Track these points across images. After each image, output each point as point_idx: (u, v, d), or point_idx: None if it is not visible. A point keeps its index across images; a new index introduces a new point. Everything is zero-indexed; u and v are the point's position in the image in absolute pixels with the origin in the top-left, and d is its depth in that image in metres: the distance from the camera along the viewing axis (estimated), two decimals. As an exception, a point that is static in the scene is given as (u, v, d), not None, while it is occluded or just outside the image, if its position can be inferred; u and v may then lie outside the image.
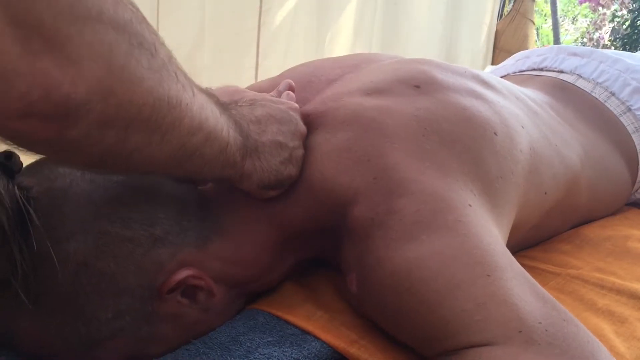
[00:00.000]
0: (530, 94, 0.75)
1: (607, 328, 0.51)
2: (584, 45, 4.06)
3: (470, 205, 0.46)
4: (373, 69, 0.62)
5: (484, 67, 1.87)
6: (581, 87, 0.85)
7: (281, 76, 0.67)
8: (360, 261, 0.46)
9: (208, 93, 0.40)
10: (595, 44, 3.92)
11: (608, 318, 0.53)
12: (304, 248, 0.54)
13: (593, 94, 0.84)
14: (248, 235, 0.50)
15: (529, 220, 0.61)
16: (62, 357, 0.42)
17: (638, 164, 0.83)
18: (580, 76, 0.87)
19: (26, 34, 0.26)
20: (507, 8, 2.73)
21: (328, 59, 0.71)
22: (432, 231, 0.43)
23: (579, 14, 5.16)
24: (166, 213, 0.44)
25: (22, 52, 0.26)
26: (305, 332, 0.47)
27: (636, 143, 0.83)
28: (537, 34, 4.32)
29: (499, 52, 2.57)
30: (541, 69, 0.93)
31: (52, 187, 0.41)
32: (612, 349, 0.48)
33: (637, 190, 0.88)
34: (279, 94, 0.56)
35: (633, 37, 3.73)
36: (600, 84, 0.85)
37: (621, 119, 0.83)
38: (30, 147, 0.32)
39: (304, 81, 0.63)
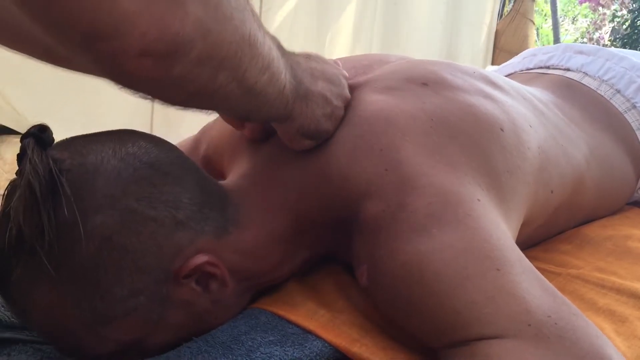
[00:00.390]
0: (537, 94, 0.75)
1: (607, 327, 0.51)
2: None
3: (479, 199, 0.47)
4: (384, 69, 0.63)
5: (484, 67, 1.87)
6: (587, 84, 0.86)
7: None
8: (372, 254, 0.46)
9: (270, 35, 0.42)
10: (595, 44, 3.92)
11: (609, 317, 0.53)
12: (317, 242, 0.55)
13: (599, 92, 0.85)
14: (264, 228, 0.51)
15: (536, 219, 0.61)
16: (72, 333, 0.43)
17: None
18: (586, 74, 0.87)
19: None
20: (507, 8, 2.74)
21: (340, 59, 0.72)
22: (442, 225, 0.44)
23: (579, 14, 5.17)
24: (190, 199, 0.45)
25: None
26: (307, 331, 0.47)
27: None
28: (537, 34, 4.32)
29: (499, 52, 2.57)
30: (548, 67, 0.93)
31: (84, 161, 0.42)
32: (612, 348, 0.48)
33: (640, 188, 0.88)
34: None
35: (633, 37, 3.73)
36: (606, 81, 0.86)
37: (626, 116, 0.83)
38: (136, 86, 0.35)
39: None
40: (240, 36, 0.36)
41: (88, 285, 0.41)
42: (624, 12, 3.89)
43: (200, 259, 0.45)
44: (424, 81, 0.56)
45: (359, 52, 2.02)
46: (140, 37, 0.30)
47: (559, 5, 3.41)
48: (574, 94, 0.83)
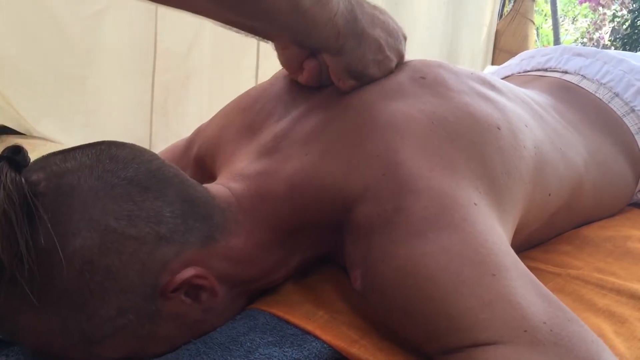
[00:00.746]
0: (535, 97, 0.75)
1: (607, 328, 0.51)
2: (584, 45, 4.06)
3: (475, 203, 0.46)
4: None
5: (484, 67, 1.87)
6: (585, 87, 0.85)
7: (281, 75, 0.67)
8: (366, 257, 0.46)
9: None
10: (595, 44, 3.92)
11: (608, 318, 0.53)
12: (310, 245, 0.54)
13: (597, 95, 0.84)
14: (253, 234, 0.50)
15: (533, 222, 0.61)
16: (64, 353, 0.42)
17: None
18: (584, 77, 0.87)
19: None
20: (507, 8, 2.74)
21: None
22: (438, 229, 0.43)
23: (579, 14, 5.16)
24: (172, 211, 0.44)
25: None
26: (306, 332, 0.47)
27: (639, 144, 0.83)
28: (537, 34, 4.31)
29: (499, 52, 2.57)
30: (545, 69, 0.93)
31: (60, 183, 0.41)
32: (612, 349, 0.48)
33: (639, 191, 0.88)
34: None
35: (633, 37, 3.72)
36: (604, 84, 0.85)
37: (625, 119, 0.83)
38: None
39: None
40: None
41: (73, 309, 0.40)
42: (624, 12, 3.89)
43: (187, 273, 0.44)
44: (422, 83, 0.56)
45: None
46: None
47: (559, 5, 3.41)
48: (571, 97, 0.83)
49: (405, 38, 0.57)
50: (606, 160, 0.77)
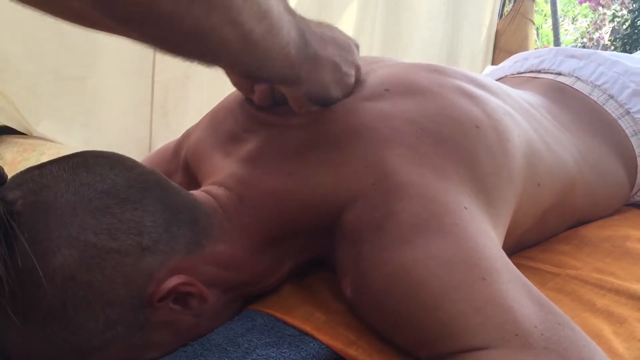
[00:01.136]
0: (527, 97, 0.75)
1: (606, 329, 0.51)
2: (584, 45, 4.06)
3: (466, 207, 0.46)
4: (367, 73, 0.61)
5: (483, 67, 1.87)
6: (579, 89, 0.85)
7: None
8: (356, 265, 0.45)
9: None
10: (595, 44, 3.92)
11: (607, 318, 0.53)
12: (301, 250, 0.54)
13: (591, 97, 0.84)
14: (241, 240, 0.50)
15: (525, 219, 0.61)
16: None
17: (637, 167, 0.83)
18: (578, 78, 0.87)
19: None
20: (507, 8, 2.73)
21: None
22: (428, 234, 0.43)
23: (579, 14, 5.16)
24: (154, 221, 0.43)
25: None
26: (304, 333, 0.47)
27: (635, 146, 0.82)
28: (537, 34, 4.31)
29: (499, 52, 2.57)
30: (539, 71, 0.93)
31: (36, 200, 0.40)
32: (611, 349, 0.48)
33: (636, 194, 0.87)
34: None
35: (633, 37, 3.72)
36: (598, 86, 0.85)
37: (620, 122, 0.82)
38: (123, 21, 0.33)
39: None
40: None
41: (59, 326, 0.40)
42: (624, 12, 3.88)
43: (173, 281, 0.43)
44: (404, 88, 0.55)
45: (360, 52, 2.02)
46: None
47: (559, 5, 3.40)
48: (565, 98, 0.82)
49: (357, 47, 0.55)
50: (600, 161, 0.77)
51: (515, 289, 0.41)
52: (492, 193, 0.50)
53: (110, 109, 1.38)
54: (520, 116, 0.62)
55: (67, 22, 0.42)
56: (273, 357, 0.43)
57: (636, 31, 3.65)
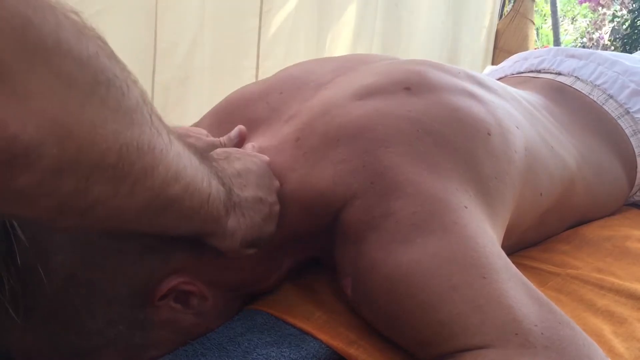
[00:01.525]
0: (527, 97, 0.75)
1: (606, 328, 0.51)
2: (583, 45, 4.06)
3: (465, 207, 0.46)
4: (365, 71, 0.62)
5: (483, 67, 1.87)
6: (579, 89, 0.85)
7: (273, 77, 0.67)
8: (355, 265, 0.45)
9: (185, 141, 0.37)
10: (595, 44, 3.91)
11: (607, 318, 0.53)
12: (300, 250, 0.54)
13: (591, 97, 0.84)
14: None
15: (524, 221, 0.61)
16: None
17: (636, 167, 0.83)
18: (578, 78, 0.87)
19: None
20: (507, 8, 2.74)
21: (320, 60, 0.69)
22: (427, 233, 0.43)
23: (578, 14, 5.16)
24: None
25: None
26: (304, 333, 0.47)
27: (634, 146, 0.82)
28: (537, 34, 4.31)
29: (499, 52, 2.57)
30: (539, 71, 0.93)
31: None
32: (611, 349, 0.48)
33: (635, 193, 0.87)
34: (231, 141, 0.54)
35: (633, 37, 3.72)
36: (598, 86, 0.85)
37: (619, 121, 0.83)
38: None
39: (293, 88, 0.61)
40: (123, 142, 0.28)
41: (60, 325, 0.40)
42: (624, 12, 3.88)
43: (174, 280, 0.43)
44: (407, 85, 0.55)
45: (360, 53, 2.02)
46: None
47: (559, 6, 3.41)
48: (565, 98, 0.82)
49: (267, 163, 0.50)
50: (599, 160, 0.77)
51: (515, 288, 0.41)
52: (492, 195, 0.50)
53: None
54: (524, 119, 0.62)
55: None
56: (273, 357, 0.43)
57: (636, 31, 3.65)
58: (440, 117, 0.52)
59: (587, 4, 3.93)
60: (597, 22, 3.91)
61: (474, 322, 0.38)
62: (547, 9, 4.07)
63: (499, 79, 0.97)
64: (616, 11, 3.93)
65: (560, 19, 4.33)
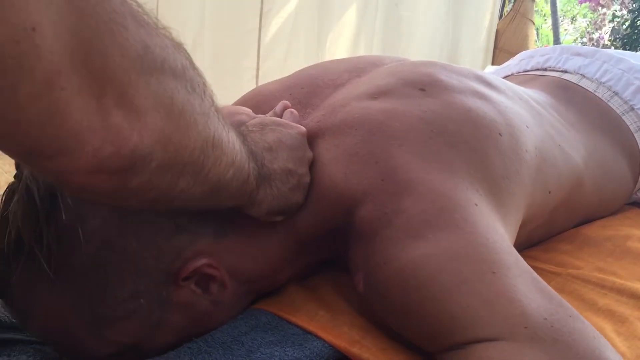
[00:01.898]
0: (534, 95, 0.75)
1: (607, 328, 0.51)
2: (583, 45, 4.06)
3: (476, 204, 0.46)
4: (379, 72, 0.63)
5: (484, 67, 1.87)
6: (585, 87, 0.85)
7: (292, 76, 0.68)
8: (368, 260, 0.46)
9: (231, 126, 0.40)
10: (595, 44, 3.92)
11: (609, 318, 0.53)
12: (316, 250, 0.54)
13: (596, 94, 0.85)
14: (261, 236, 0.50)
15: (534, 220, 0.61)
16: (72, 335, 0.43)
17: None
18: (583, 76, 0.87)
19: (101, 87, 0.26)
20: (507, 8, 2.74)
21: (335, 61, 0.71)
22: (438, 229, 0.43)
23: (578, 13, 5.17)
24: None
25: (98, 107, 0.26)
26: (307, 332, 0.47)
27: (639, 142, 0.83)
28: (537, 34, 4.32)
29: (499, 52, 2.58)
30: (545, 69, 0.93)
31: None
32: (613, 348, 0.48)
33: (638, 190, 0.88)
34: (276, 115, 0.56)
35: (633, 37, 3.73)
36: (603, 83, 0.85)
37: (624, 118, 0.83)
38: (88, 197, 0.33)
39: (313, 86, 0.63)
40: (204, 140, 0.34)
41: (88, 288, 0.41)
42: (624, 12, 3.89)
43: (200, 261, 0.45)
44: (421, 85, 0.56)
45: (360, 53, 2.03)
46: (93, 154, 0.26)
47: (559, 5, 3.41)
48: (571, 96, 0.83)
49: (304, 134, 0.52)
50: (605, 158, 0.77)
51: (525, 283, 0.41)
52: (503, 195, 0.51)
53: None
54: (533, 118, 0.63)
55: None
56: (277, 356, 0.44)
57: (636, 31, 3.66)
58: (454, 117, 0.52)
59: (587, 4, 3.94)
60: (597, 22, 3.92)
61: (483, 315, 0.39)
62: (547, 9, 4.08)
63: (505, 77, 0.98)
64: (616, 11, 3.94)
65: (560, 19, 4.34)
